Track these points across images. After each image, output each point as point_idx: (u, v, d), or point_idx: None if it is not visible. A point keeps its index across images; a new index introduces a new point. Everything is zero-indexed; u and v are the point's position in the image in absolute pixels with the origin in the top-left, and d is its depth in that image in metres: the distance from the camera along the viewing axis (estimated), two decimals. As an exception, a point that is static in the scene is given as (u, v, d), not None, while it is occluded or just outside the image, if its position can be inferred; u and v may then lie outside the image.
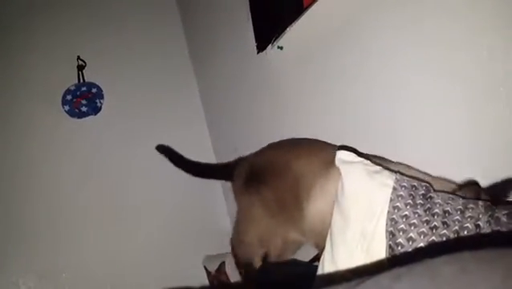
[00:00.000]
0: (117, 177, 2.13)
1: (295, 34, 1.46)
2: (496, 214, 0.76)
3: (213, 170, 1.82)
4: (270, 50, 1.56)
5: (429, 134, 1.09)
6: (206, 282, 2.13)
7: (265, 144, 1.51)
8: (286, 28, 1.46)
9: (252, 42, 1.65)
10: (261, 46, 1.61)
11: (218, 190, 2.36)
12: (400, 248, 0.77)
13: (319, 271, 0.95)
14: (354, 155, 0.96)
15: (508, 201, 0.87)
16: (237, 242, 1.52)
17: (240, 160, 1.59)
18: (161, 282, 2.06)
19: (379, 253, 0.80)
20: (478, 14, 0.94)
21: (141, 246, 2.11)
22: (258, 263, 1.44)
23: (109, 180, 2.11)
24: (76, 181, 2.04)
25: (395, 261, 0.76)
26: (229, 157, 2.20)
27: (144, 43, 2.27)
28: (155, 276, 2.09)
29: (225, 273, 2.12)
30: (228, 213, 2.35)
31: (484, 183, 0.92)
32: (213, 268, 2.14)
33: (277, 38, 1.51)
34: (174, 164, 1.81)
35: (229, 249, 2.28)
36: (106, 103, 2.10)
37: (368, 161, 0.94)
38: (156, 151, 2.18)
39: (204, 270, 2.19)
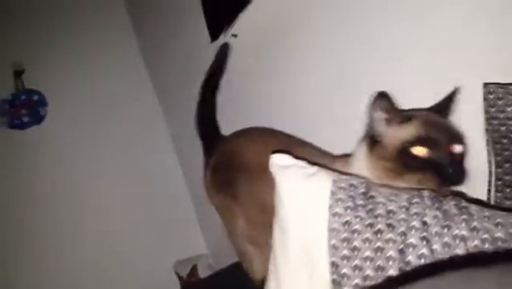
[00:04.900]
0: (71, 185, 2.04)
1: (249, 20, 1.41)
2: (444, 207, 0.72)
3: (207, 131, 1.48)
4: (224, 38, 1.52)
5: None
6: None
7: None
8: (237, 15, 1.42)
9: (205, 32, 1.59)
10: (214, 35, 1.56)
11: (185, 194, 2.29)
12: (345, 261, 0.71)
13: None
14: (289, 157, 0.88)
15: (453, 191, 0.82)
16: (237, 253, 1.31)
17: (221, 141, 1.37)
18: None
19: (323, 271, 0.73)
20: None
21: (110, 256, 2.05)
22: None
23: (63, 190, 2.02)
24: (26, 196, 1.93)
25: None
26: (190, 152, 2.13)
27: (89, 42, 2.13)
28: (127, 286, 2.03)
29: (198, 276, 2.06)
30: (197, 215, 2.29)
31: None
32: (184, 272, 2.08)
33: (229, 26, 1.47)
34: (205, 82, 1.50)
35: (199, 251, 2.22)
36: (51, 111, 1.97)
37: (304, 163, 0.87)
38: (113, 154, 2.11)
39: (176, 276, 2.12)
